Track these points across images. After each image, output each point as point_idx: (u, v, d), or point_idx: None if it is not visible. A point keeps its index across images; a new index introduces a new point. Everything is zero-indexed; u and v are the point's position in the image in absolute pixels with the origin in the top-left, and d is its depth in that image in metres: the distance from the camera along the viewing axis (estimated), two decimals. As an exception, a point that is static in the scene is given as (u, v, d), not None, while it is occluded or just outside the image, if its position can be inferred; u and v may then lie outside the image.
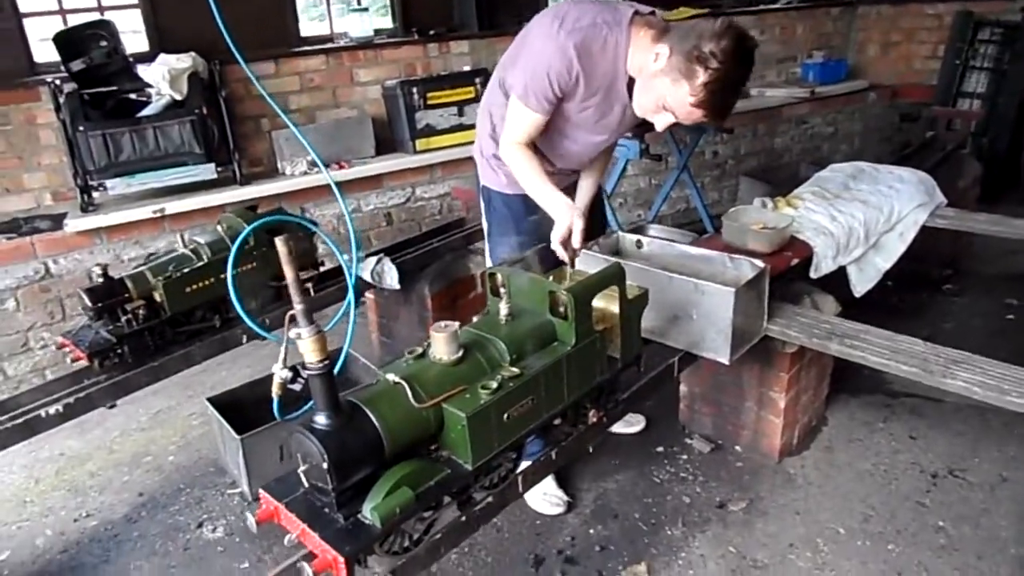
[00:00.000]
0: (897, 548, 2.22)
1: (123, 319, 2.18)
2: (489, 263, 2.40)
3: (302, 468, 1.30)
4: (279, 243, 1.21)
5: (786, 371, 2.45)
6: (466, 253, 3.17)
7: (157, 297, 2.22)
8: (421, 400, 1.39)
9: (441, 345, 1.47)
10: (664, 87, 1.77)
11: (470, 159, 4.05)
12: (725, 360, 2.03)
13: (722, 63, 1.68)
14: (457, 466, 1.45)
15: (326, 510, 1.34)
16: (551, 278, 1.70)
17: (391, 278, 2.84)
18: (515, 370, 1.49)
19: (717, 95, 1.72)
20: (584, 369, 1.64)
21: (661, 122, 1.87)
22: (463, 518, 1.52)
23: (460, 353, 1.48)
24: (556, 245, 1.94)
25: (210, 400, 2.59)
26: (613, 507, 2.44)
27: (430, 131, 3.97)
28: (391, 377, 1.41)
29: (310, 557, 1.32)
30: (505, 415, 1.47)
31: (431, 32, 4.22)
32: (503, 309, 1.60)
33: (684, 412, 2.84)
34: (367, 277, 2.79)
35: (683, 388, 2.79)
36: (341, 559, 1.24)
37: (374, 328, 3.34)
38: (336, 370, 1.30)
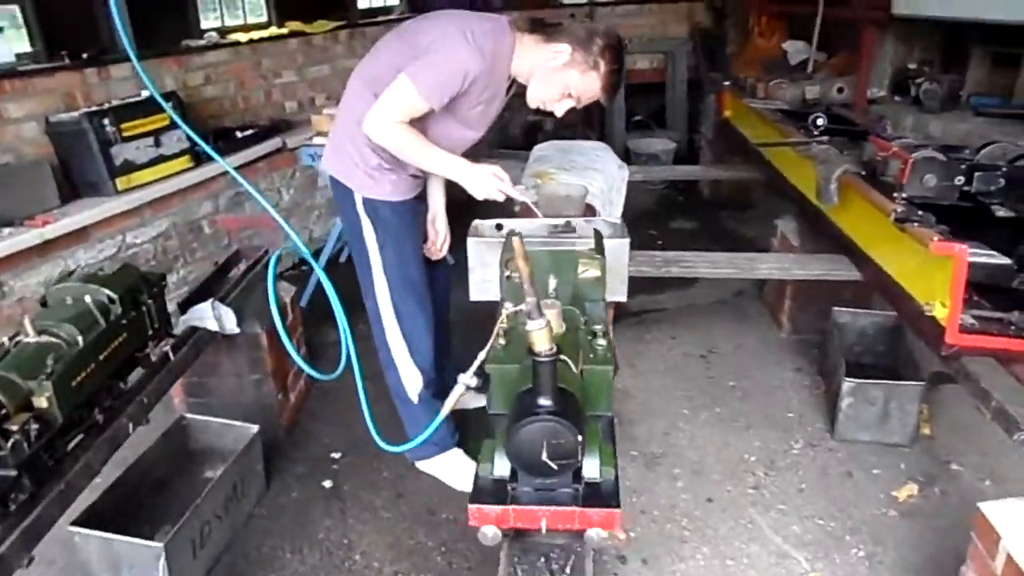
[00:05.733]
0: (718, 408, 3.01)
1: (9, 443, 1.63)
2: (381, 276, 2.37)
3: (545, 454, 1.35)
4: (514, 240, 1.25)
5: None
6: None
7: (43, 403, 1.71)
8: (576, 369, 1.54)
9: (555, 320, 1.61)
10: (572, 78, 2.12)
11: (177, 194, 3.70)
12: (624, 299, 2.48)
13: (618, 55, 2.13)
14: (597, 419, 1.63)
15: (547, 491, 1.41)
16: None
17: (229, 321, 2.55)
18: (599, 327, 1.72)
19: (618, 78, 2.16)
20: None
21: (561, 108, 2.21)
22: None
23: (564, 326, 1.65)
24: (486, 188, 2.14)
25: (76, 523, 2.04)
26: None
27: (130, 167, 3.43)
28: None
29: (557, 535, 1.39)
30: (605, 365, 1.70)
31: (84, 56, 3.60)
32: (552, 283, 1.79)
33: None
34: (211, 326, 2.46)
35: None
36: (617, 511, 1.36)
37: (177, 393, 2.85)
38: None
